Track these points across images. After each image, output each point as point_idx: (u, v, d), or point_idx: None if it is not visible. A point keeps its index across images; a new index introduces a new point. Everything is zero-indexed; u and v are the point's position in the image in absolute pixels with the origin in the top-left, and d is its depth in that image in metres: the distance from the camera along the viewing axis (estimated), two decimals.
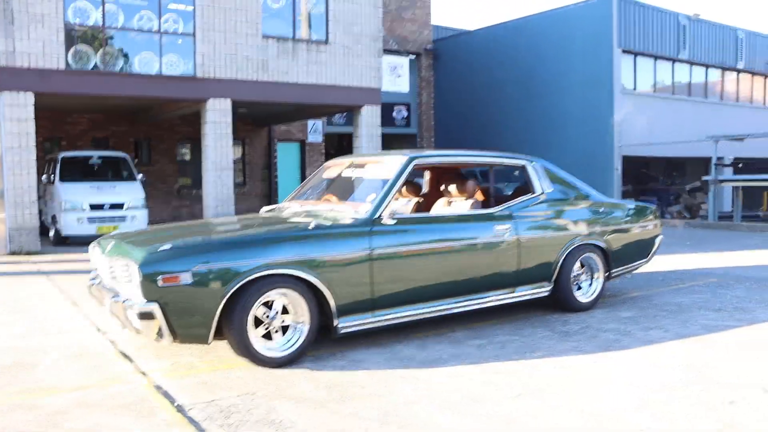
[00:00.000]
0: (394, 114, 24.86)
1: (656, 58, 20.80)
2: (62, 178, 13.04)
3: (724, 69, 23.26)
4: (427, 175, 7.52)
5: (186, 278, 4.33)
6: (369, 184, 5.79)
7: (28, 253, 11.60)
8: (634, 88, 20.28)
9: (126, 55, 12.73)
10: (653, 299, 7.24)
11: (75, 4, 12.12)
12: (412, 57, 22.12)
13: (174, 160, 19.00)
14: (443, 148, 24.35)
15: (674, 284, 8.30)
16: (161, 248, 4.49)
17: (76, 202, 12.51)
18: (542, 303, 6.75)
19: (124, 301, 4.45)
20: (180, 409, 3.83)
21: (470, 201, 6.29)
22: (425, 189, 7.43)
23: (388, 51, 20.69)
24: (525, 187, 6.57)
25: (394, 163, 5.65)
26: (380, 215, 5.19)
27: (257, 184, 20.60)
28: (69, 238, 12.59)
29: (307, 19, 14.91)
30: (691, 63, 21.85)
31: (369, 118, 15.73)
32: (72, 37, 12.11)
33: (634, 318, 6.28)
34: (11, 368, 4.66)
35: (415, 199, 6.82)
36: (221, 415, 3.73)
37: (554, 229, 6.34)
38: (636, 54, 20.05)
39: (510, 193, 6.93)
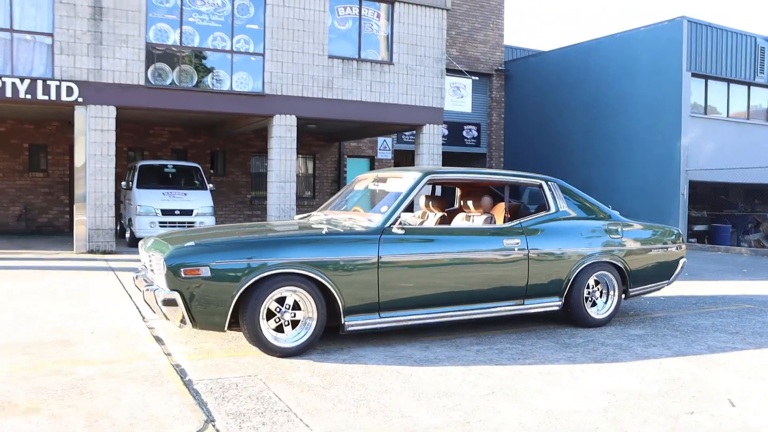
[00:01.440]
0: (464, 133, 25.29)
1: (730, 81, 20.40)
2: (139, 185, 14.13)
3: None
4: (457, 192, 7.94)
5: (205, 271, 4.93)
6: (388, 197, 6.27)
7: (104, 252, 12.66)
8: (705, 112, 19.95)
9: (200, 73, 13.72)
10: (673, 320, 7.37)
11: (156, 25, 13.22)
12: (476, 78, 22.50)
13: (247, 172, 20.02)
14: (511, 167, 24.57)
15: (704, 308, 8.35)
16: (186, 244, 5.12)
17: (150, 207, 13.54)
18: (557, 317, 7.05)
19: (155, 290, 5.10)
20: (187, 383, 4.42)
21: (485, 216, 6.68)
22: (456, 205, 7.85)
23: (452, 71, 21.15)
24: (544, 205, 6.90)
25: (409, 177, 6.13)
26: (390, 225, 5.66)
27: (326, 197, 21.38)
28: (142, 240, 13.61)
29: (372, 40, 15.58)
30: None
31: (430, 137, 16.21)
32: (152, 55, 13.19)
33: (642, 336, 6.48)
34: (57, 343, 5.40)
35: (440, 214, 7.26)
36: (220, 389, 4.29)
37: (566, 245, 6.62)
38: (707, 77, 19.76)
39: (533, 210, 7.27)
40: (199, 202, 14.12)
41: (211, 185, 15.06)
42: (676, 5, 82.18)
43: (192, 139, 19.08)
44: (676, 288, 9.69)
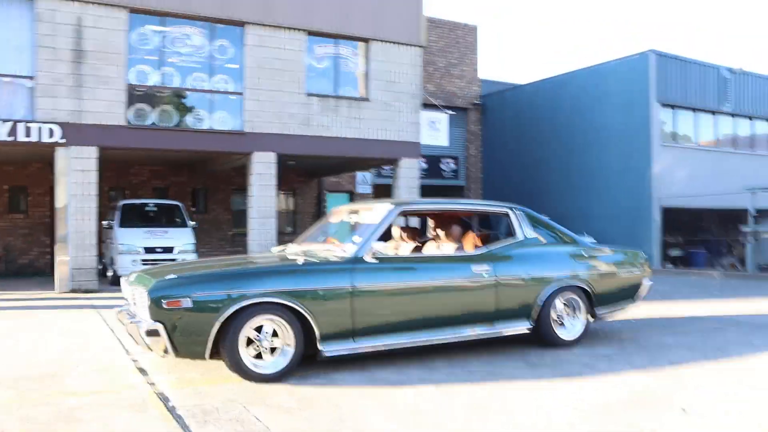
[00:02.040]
0: (443, 166, 25.76)
1: (697, 110, 21.08)
2: (121, 224, 14.32)
3: None
4: (429, 222, 8.25)
5: (187, 303, 5.18)
6: (361, 228, 6.56)
7: (87, 291, 12.79)
8: (675, 141, 20.57)
9: (181, 112, 14.04)
10: (640, 340, 7.68)
11: (137, 67, 13.56)
12: (451, 113, 23.07)
13: (228, 209, 20.26)
14: (489, 198, 25.00)
15: (671, 328, 8.66)
16: (168, 277, 5.37)
17: (132, 245, 13.72)
18: (529, 339, 7.33)
19: (138, 323, 5.33)
20: (171, 408, 4.63)
21: (455, 245, 6.99)
22: (429, 235, 8.16)
23: (429, 106, 21.67)
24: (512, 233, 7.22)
25: (381, 210, 6.44)
26: (363, 255, 5.95)
27: None
28: None
29: (349, 78, 16.01)
30: (735, 115, 22.01)
31: (408, 170, 16.59)
32: (133, 96, 13.50)
33: (609, 355, 6.78)
34: (45, 377, 5.59)
35: (413, 244, 7.56)
36: (201, 413, 4.51)
37: (534, 270, 6.93)
38: (675, 107, 20.41)
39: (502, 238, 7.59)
40: (181, 239, 14.33)
41: (192, 223, 15.28)
42: (644, 38, 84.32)
43: (173, 178, 19.32)
44: (647, 310, 10.01)
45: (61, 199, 13.01)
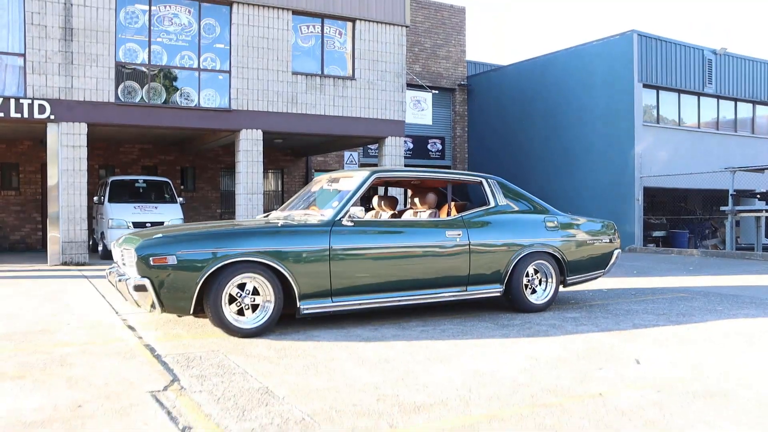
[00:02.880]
0: (429, 147, 26.04)
1: (680, 92, 21.41)
2: (110, 199, 14.58)
3: (755, 103, 23.61)
4: (409, 193, 8.56)
5: (172, 260, 5.49)
6: (340, 195, 6.87)
7: (78, 264, 13.07)
8: (657, 121, 20.92)
9: (168, 90, 14.27)
10: (609, 306, 8.03)
11: (125, 45, 13.76)
12: (435, 92, 23.36)
13: (217, 187, 20.52)
14: None
15: (641, 297, 9.02)
16: (154, 237, 5.68)
17: (121, 220, 13.99)
18: (501, 304, 7.68)
19: (126, 279, 5.64)
20: (156, 356, 4.96)
21: (430, 211, 7.31)
22: (407, 205, 8.48)
23: (414, 86, 21.92)
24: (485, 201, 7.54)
25: (358, 176, 6.75)
26: (340, 218, 6.27)
27: None
28: None
29: (334, 56, 16.24)
30: (719, 97, 22.36)
31: (393, 148, 16.88)
32: (122, 74, 13.72)
33: (577, 318, 7.13)
34: (36, 333, 5.90)
35: (391, 212, 7.88)
36: (185, 360, 4.84)
37: (505, 236, 7.26)
38: (658, 88, 20.74)
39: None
40: (170, 214, 14.59)
41: (181, 199, 15.55)
42: (628, 19, 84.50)
43: (162, 156, 19.54)
44: (619, 282, 10.39)
45: (53, 176, 13.25)
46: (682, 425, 3.58)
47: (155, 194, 15.66)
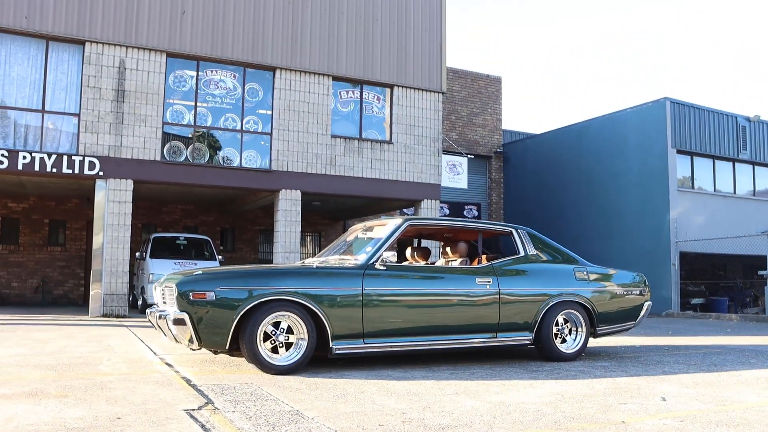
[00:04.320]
0: (465, 213, 26.29)
1: (714, 158, 21.44)
2: (152, 255, 15.03)
3: None
4: (441, 244, 8.75)
5: (211, 296, 5.74)
6: (373, 242, 7.10)
7: (117, 316, 13.43)
8: (692, 187, 20.90)
9: (212, 150, 14.86)
10: (641, 358, 8.01)
11: (173, 107, 14.47)
12: (471, 156, 23.77)
13: (255, 249, 20.95)
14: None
15: (674, 352, 8.95)
16: (195, 273, 5.96)
17: (161, 275, 14.31)
18: (533, 354, 7.72)
19: (167, 315, 5.89)
20: (192, 385, 5.15)
21: (462, 260, 7.49)
22: (439, 255, 8.65)
23: (450, 152, 22.33)
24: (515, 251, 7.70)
25: (391, 224, 6.99)
26: (373, 262, 6.48)
27: None
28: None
29: (372, 121, 16.78)
30: (754, 163, 22.32)
31: (428, 212, 17.16)
32: (168, 134, 14.37)
33: (606, 366, 7.13)
34: (79, 365, 6.16)
35: (423, 263, 8.06)
36: (219, 389, 5.02)
37: (534, 285, 7.37)
38: (692, 154, 20.82)
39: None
40: None
41: (220, 257, 15.95)
42: (660, 86, 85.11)
43: (203, 217, 20.11)
44: (653, 340, 10.31)
45: (98, 232, 13.78)
46: None
47: (195, 251, 16.10)
